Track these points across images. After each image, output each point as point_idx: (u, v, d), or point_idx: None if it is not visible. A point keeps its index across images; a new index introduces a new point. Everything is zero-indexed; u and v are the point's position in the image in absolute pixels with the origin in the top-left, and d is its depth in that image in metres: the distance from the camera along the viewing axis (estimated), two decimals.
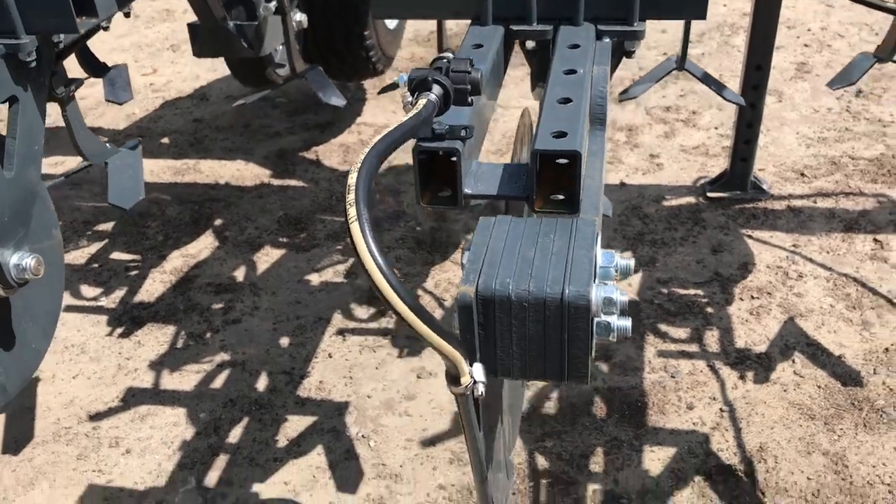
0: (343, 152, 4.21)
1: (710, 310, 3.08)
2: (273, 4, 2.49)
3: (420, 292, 3.27)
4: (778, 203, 3.63)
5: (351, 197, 1.02)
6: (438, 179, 1.30)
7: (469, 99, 1.26)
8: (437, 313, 3.16)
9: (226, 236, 3.65)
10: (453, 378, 1.07)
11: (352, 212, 1.01)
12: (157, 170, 4.17)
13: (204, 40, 2.80)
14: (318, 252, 3.53)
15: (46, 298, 1.90)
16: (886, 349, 2.86)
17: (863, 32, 5.03)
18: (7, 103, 1.71)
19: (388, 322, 3.14)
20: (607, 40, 1.52)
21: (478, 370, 1.07)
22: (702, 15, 1.56)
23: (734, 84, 3.63)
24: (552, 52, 1.45)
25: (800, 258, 3.30)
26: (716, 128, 4.18)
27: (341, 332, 3.11)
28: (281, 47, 3.08)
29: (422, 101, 1.24)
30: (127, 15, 2.23)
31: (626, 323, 1.09)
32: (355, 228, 1.00)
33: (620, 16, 1.54)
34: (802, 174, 3.79)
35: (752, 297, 3.12)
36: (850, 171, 3.78)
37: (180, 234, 3.69)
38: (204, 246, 3.60)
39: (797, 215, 3.54)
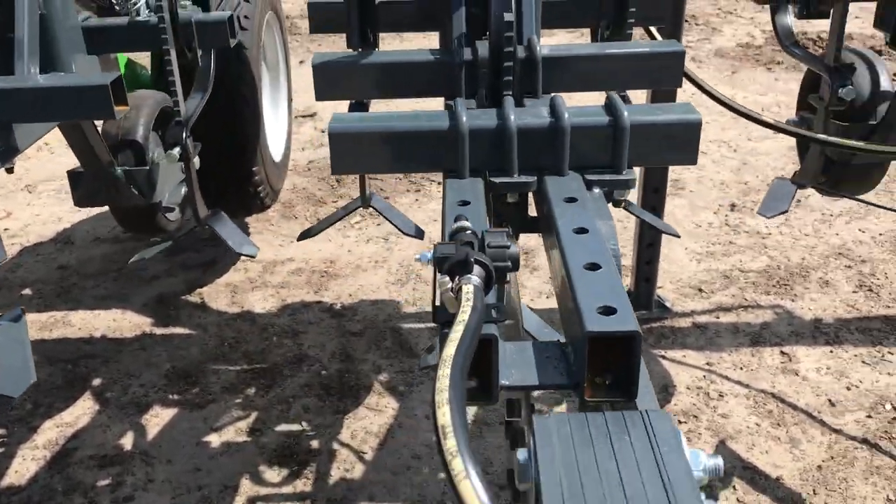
0: (231, 293, 3.93)
1: None
2: (177, 151, 2.28)
3: (336, 446, 3.00)
4: (683, 320, 3.65)
5: (451, 444, 0.80)
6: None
7: (507, 276, 1.10)
8: (358, 468, 2.89)
9: (107, 398, 3.26)
10: None
11: (456, 465, 0.78)
12: None
13: (87, 188, 2.52)
14: (214, 408, 3.19)
15: None
16: (819, 466, 2.84)
17: (722, 149, 5.33)
18: None
19: (304, 485, 2.84)
20: (598, 190, 1.42)
21: None
22: (693, 160, 1.50)
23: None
24: (547, 207, 1.32)
25: (716, 377, 3.29)
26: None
27: (252, 500, 2.78)
28: (168, 194, 2.84)
29: (469, 288, 1.05)
30: (9, 171, 1.95)
31: None
32: (466, 488, 0.77)
33: (607, 163, 1.44)
34: (700, 290, 3.86)
35: (681, 422, 3.06)
36: (743, 284, 3.88)
37: (52, 399, 3.25)
38: (82, 412, 3.19)
39: (704, 332, 3.56)
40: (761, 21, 8.15)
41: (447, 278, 1.08)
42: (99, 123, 2.46)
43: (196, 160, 2.70)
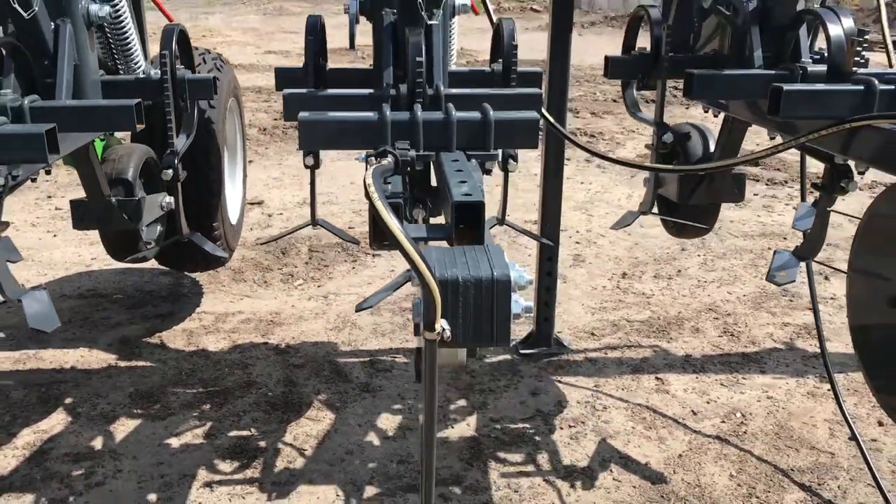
0: (187, 336, 4.46)
1: (537, 438, 3.59)
2: (170, 172, 2.91)
3: (281, 445, 3.52)
4: (578, 356, 4.32)
5: (374, 195, 1.48)
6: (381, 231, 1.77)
7: (408, 168, 1.78)
8: (299, 461, 3.41)
9: (78, 412, 3.72)
10: (428, 324, 1.47)
11: (379, 205, 1.45)
12: None
13: (84, 214, 3.13)
14: (174, 419, 3.69)
15: None
16: (680, 455, 3.48)
17: (618, 234, 6.16)
18: None
19: (254, 473, 3.34)
20: (474, 161, 2.12)
21: (443, 321, 1.48)
22: (534, 145, 2.23)
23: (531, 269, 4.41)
24: (440, 167, 2.02)
25: (602, 395, 3.94)
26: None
27: (208, 483, 3.27)
28: (146, 228, 3.46)
29: (385, 160, 1.73)
30: (48, 172, 2.57)
31: (530, 303, 1.58)
32: (378, 203, 1.44)
33: (481, 145, 2.17)
34: (592, 334, 4.56)
35: (570, 426, 3.68)
36: (628, 330, 4.60)
37: (29, 413, 3.71)
38: (56, 422, 3.65)
39: (594, 364, 4.24)
40: None
41: (374, 159, 1.75)
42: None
43: (170, 199, 3.33)
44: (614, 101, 10.88)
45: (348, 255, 5.61)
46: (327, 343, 4.43)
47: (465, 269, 1.50)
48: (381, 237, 1.83)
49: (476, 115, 2.16)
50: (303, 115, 2.17)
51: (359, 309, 2.25)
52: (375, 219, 1.45)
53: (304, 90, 2.48)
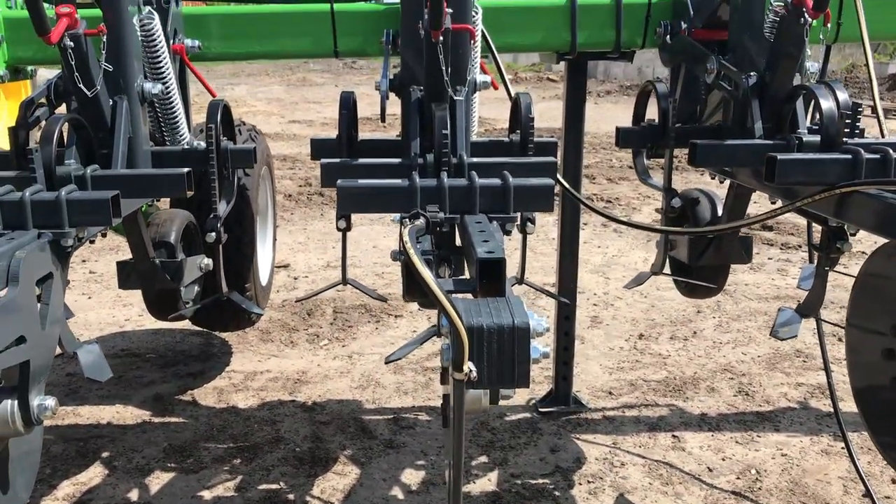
0: (218, 394, 4.63)
1: (557, 493, 3.70)
2: (213, 234, 3.12)
3: (309, 498, 3.65)
4: (596, 414, 4.44)
5: (411, 252, 1.66)
6: (414, 285, 1.96)
7: (437, 229, 1.98)
8: None
9: (115, 465, 3.88)
10: (457, 365, 1.63)
11: (415, 259, 1.64)
12: None
13: (130, 274, 3.35)
14: (206, 473, 3.83)
15: (33, 448, 2.24)
16: None
17: (635, 296, 6.32)
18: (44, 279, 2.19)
19: None
20: (495, 223, 2.32)
21: (470, 363, 1.64)
22: (550, 209, 2.43)
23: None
24: (465, 228, 2.22)
25: (620, 451, 4.05)
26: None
27: None
28: (185, 288, 3.66)
29: (418, 221, 1.94)
30: (104, 234, 2.79)
31: (548, 349, 1.74)
32: (414, 258, 1.63)
33: (501, 209, 2.37)
34: (610, 393, 4.68)
35: (588, 482, 3.79)
36: (645, 390, 4.72)
37: (68, 466, 3.87)
38: (94, 475, 3.80)
39: (612, 422, 4.35)
40: None
41: (408, 220, 1.95)
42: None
43: (209, 262, 3.54)
44: (629, 167, 11.14)
45: (371, 317, 5.79)
46: (352, 401, 4.58)
47: (489, 317, 1.67)
48: (413, 290, 2.02)
49: (497, 181, 2.37)
50: (341, 182, 2.39)
51: (388, 361, 2.41)
52: (411, 272, 1.64)
53: (339, 160, 2.71)
